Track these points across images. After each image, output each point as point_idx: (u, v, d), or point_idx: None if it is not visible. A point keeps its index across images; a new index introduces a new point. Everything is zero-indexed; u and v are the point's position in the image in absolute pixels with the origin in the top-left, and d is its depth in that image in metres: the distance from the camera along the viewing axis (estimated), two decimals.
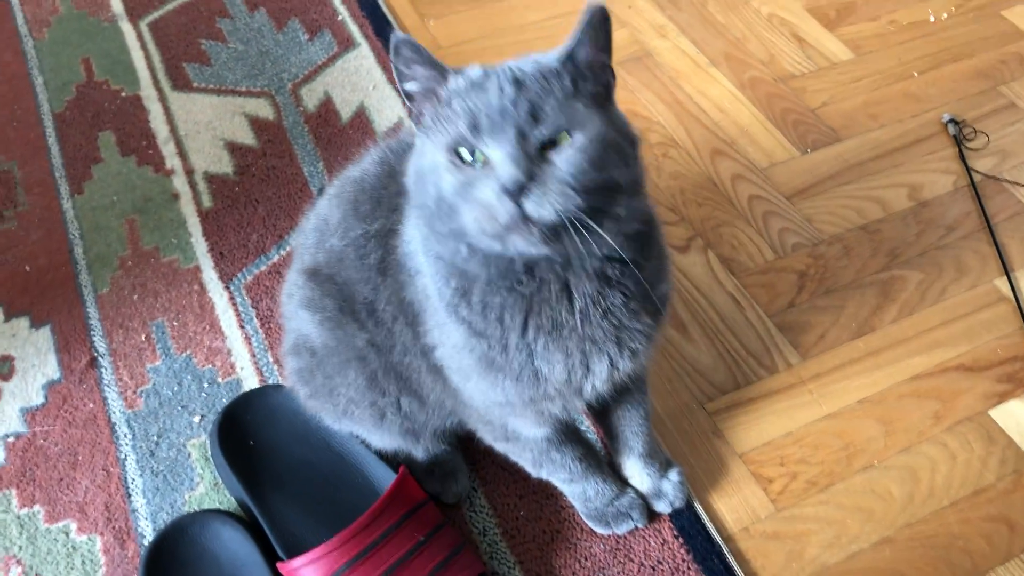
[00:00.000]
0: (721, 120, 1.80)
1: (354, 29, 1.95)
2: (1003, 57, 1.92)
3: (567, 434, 1.11)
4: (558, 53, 0.82)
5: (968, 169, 1.69)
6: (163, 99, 1.81)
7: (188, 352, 1.42)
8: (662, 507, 1.23)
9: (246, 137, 1.74)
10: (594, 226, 0.79)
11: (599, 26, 0.81)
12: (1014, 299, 1.50)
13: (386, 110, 1.79)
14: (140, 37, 1.94)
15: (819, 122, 1.79)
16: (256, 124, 1.76)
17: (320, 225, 1.07)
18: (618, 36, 1.88)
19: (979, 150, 1.73)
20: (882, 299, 1.50)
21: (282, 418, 1.28)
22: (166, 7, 2.00)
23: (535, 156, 0.78)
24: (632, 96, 1.85)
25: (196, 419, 1.35)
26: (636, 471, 1.23)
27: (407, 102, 0.86)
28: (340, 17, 1.98)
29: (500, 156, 0.77)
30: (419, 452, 1.21)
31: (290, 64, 1.88)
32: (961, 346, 1.44)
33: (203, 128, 1.75)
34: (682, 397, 1.38)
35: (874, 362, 1.42)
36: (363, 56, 1.89)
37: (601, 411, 1.19)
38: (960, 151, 1.72)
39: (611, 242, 0.82)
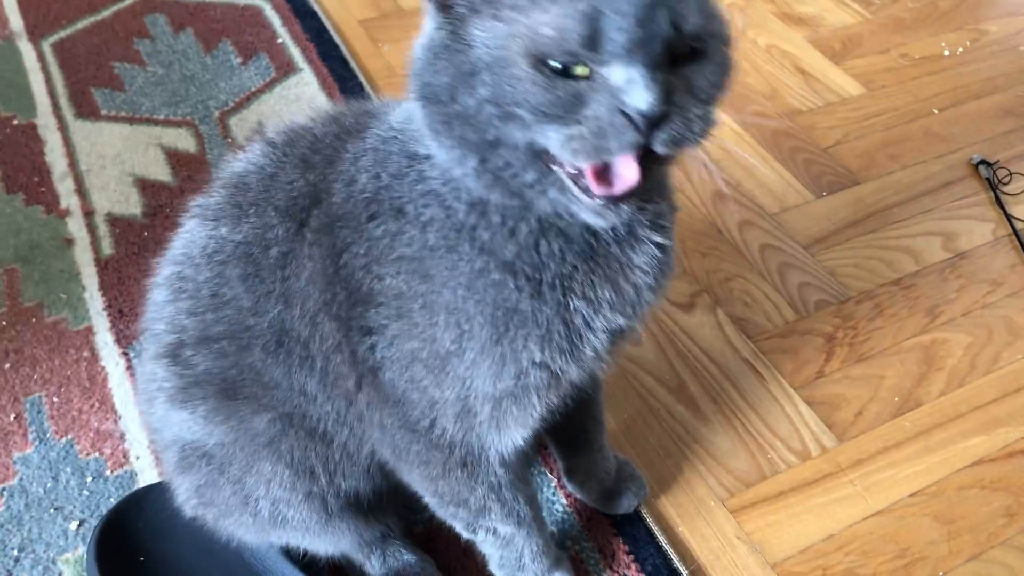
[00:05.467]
0: (722, 159, 1.56)
1: (296, 53, 1.70)
2: None
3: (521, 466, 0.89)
4: None
5: (1009, 217, 1.47)
6: (63, 128, 1.55)
7: (70, 436, 1.16)
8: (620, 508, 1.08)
9: (161, 172, 1.48)
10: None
11: None
12: None
13: None
14: (41, 58, 1.69)
15: (833, 162, 1.57)
16: (174, 157, 1.51)
17: (176, 271, 0.81)
18: None
19: (1017, 195, 1.51)
20: (926, 367, 1.29)
21: (184, 525, 1.00)
22: (75, 26, 1.75)
23: (675, 75, 0.59)
24: None
25: (73, 526, 1.08)
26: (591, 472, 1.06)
27: None
28: (280, 40, 1.73)
29: (635, 76, 0.55)
30: (372, 564, 1.00)
31: (219, 90, 1.64)
32: None
33: (109, 162, 1.50)
34: (696, 491, 1.15)
35: (925, 444, 1.20)
36: (306, 83, 1.64)
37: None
38: (996, 196, 1.50)
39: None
